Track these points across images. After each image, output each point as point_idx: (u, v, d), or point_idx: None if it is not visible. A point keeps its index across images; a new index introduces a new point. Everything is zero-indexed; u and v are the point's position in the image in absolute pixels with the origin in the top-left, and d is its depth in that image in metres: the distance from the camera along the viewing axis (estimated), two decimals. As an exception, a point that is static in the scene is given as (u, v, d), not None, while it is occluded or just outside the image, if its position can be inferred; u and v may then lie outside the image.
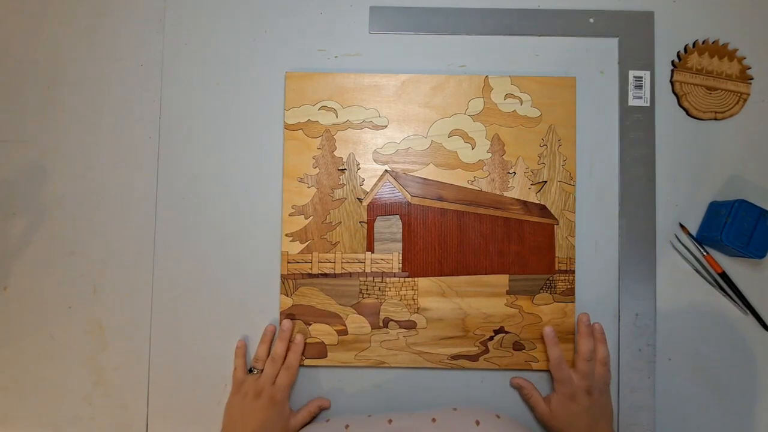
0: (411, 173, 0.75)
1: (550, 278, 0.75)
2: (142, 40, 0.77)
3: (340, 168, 0.75)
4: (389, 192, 0.75)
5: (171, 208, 0.76)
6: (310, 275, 0.74)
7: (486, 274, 0.75)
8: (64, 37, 0.77)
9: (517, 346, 0.74)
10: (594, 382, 0.69)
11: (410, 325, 0.74)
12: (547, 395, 0.72)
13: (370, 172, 0.75)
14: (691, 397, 0.74)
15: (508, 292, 0.74)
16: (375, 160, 0.75)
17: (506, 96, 0.76)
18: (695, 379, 0.75)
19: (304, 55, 0.77)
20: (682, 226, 0.76)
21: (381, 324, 0.74)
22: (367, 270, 0.74)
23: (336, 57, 0.77)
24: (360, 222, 0.75)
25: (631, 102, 0.76)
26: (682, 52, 0.77)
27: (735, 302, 0.75)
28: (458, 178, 0.75)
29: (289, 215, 0.75)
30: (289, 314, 0.74)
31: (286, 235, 0.74)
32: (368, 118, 0.75)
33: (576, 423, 0.68)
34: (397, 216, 0.75)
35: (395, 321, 0.74)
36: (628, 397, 0.73)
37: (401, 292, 0.74)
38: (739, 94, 0.76)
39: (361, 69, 0.77)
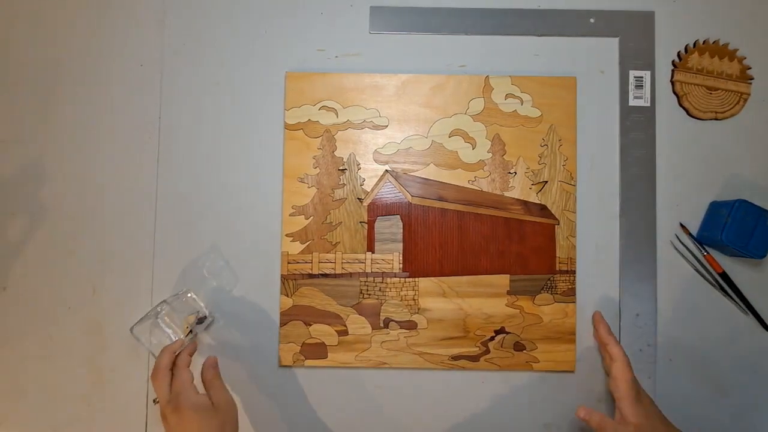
0: (411, 173, 0.75)
1: (551, 278, 0.74)
2: (142, 40, 0.77)
3: (341, 168, 0.75)
4: (390, 192, 0.75)
5: (171, 208, 0.76)
6: (311, 275, 0.74)
7: (487, 274, 0.75)
8: (64, 37, 0.77)
9: (518, 347, 0.74)
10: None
11: (411, 326, 0.74)
12: (614, 418, 0.67)
13: (370, 172, 0.75)
14: (691, 397, 0.74)
15: (509, 293, 0.74)
16: (375, 160, 0.75)
17: (507, 96, 0.75)
18: (696, 379, 0.74)
19: (304, 55, 0.77)
20: (682, 226, 0.76)
21: (381, 324, 0.74)
22: (368, 270, 0.74)
23: (336, 57, 0.77)
24: (360, 222, 0.75)
25: (632, 102, 0.76)
26: (683, 52, 0.77)
27: (735, 302, 0.75)
28: (459, 178, 0.75)
29: (290, 215, 0.75)
30: (289, 314, 0.74)
31: (287, 235, 0.74)
32: (368, 118, 0.75)
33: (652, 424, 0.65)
34: (398, 216, 0.75)
35: (396, 321, 0.74)
36: (629, 398, 0.73)
37: (402, 293, 0.74)
38: (739, 94, 0.76)
39: (362, 69, 0.77)
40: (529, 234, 0.75)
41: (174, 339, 0.69)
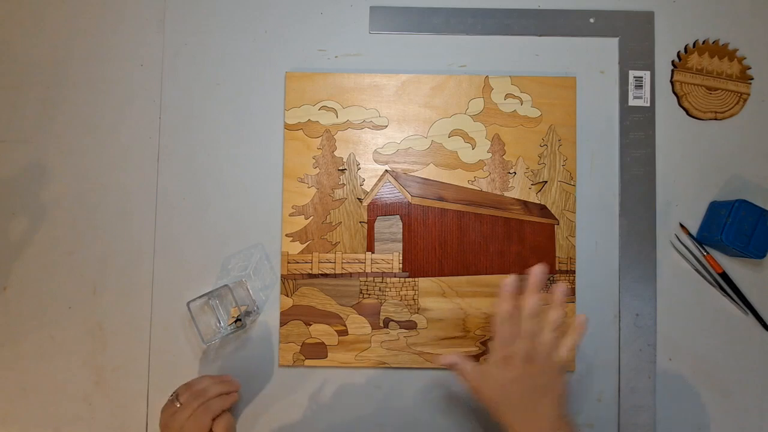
0: (411, 173, 0.75)
1: (551, 278, 0.75)
2: (142, 40, 0.77)
3: (341, 168, 0.75)
4: (389, 192, 0.75)
5: (171, 208, 0.76)
6: (311, 275, 0.74)
7: (486, 274, 0.75)
8: (64, 37, 0.77)
9: (518, 346, 0.74)
10: (537, 349, 0.59)
11: (411, 326, 0.74)
12: (478, 364, 0.62)
13: (370, 172, 0.75)
14: (691, 398, 0.74)
15: (509, 292, 0.74)
16: (375, 160, 0.75)
17: (506, 96, 0.76)
18: (696, 379, 0.74)
19: (304, 55, 0.77)
20: (682, 226, 0.76)
21: (381, 324, 0.74)
22: (368, 270, 0.74)
23: (336, 57, 0.77)
24: (360, 222, 0.75)
25: (632, 102, 0.76)
26: (683, 52, 0.77)
27: (735, 302, 0.75)
28: (458, 178, 0.75)
29: (290, 215, 0.75)
30: (289, 314, 0.74)
31: (287, 235, 0.74)
32: (368, 118, 0.75)
33: (509, 394, 0.58)
34: (398, 216, 0.75)
35: (396, 321, 0.74)
36: (629, 397, 0.73)
37: (402, 293, 0.74)
38: (739, 94, 0.76)
39: (362, 69, 0.77)
40: (528, 234, 0.75)
41: (221, 325, 0.70)
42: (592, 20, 0.77)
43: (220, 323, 0.70)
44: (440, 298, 0.74)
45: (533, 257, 0.75)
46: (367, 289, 0.74)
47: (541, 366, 0.59)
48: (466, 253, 0.75)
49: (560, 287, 0.62)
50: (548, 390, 0.59)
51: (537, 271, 0.62)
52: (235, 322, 0.70)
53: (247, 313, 0.72)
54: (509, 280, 0.61)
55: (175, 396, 0.64)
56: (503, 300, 0.61)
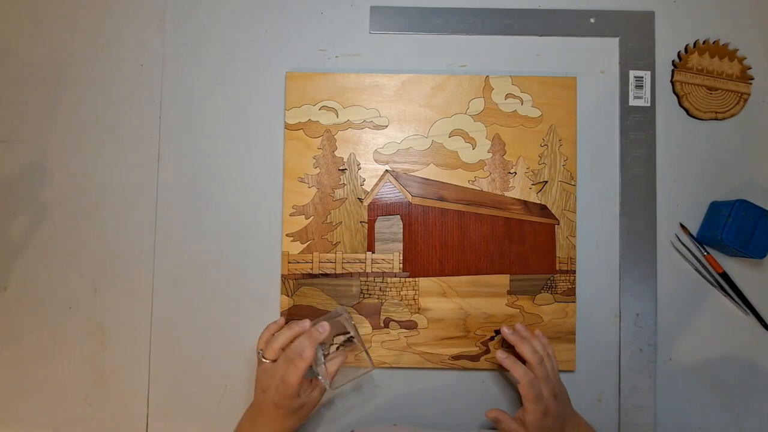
0: (412, 173, 0.75)
1: (551, 278, 0.75)
2: (143, 40, 0.77)
3: (341, 168, 0.75)
4: (390, 192, 0.75)
5: (171, 208, 0.76)
6: (311, 275, 0.74)
7: (487, 274, 0.75)
8: (64, 37, 0.77)
9: (518, 346, 0.74)
10: (554, 382, 0.66)
11: (411, 326, 0.74)
12: (516, 414, 0.67)
13: (370, 172, 0.75)
14: (691, 397, 0.74)
15: (509, 292, 0.74)
16: (376, 160, 0.75)
17: (507, 96, 0.76)
18: (696, 379, 0.75)
19: (305, 55, 0.77)
20: (682, 226, 0.76)
21: (382, 324, 0.74)
22: (368, 270, 0.74)
23: (336, 57, 0.77)
24: (361, 222, 0.75)
25: (632, 102, 0.76)
26: (683, 52, 0.77)
27: (735, 302, 0.75)
28: (459, 178, 0.75)
29: (290, 215, 0.75)
30: (289, 314, 0.74)
31: (287, 235, 0.74)
32: (369, 118, 0.75)
33: (550, 429, 0.65)
34: (398, 216, 0.75)
35: (396, 321, 0.74)
36: (629, 397, 0.73)
37: (402, 292, 0.74)
38: (739, 94, 0.76)
39: (362, 69, 0.77)
40: (529, 234, 0.75)
41: (323, 359, 0.66)
42: (592, 20, 0.77)
43: (321, 358, 0.66)
44: (441, 297, 0.74)
45: (534, 257, 0.75)
46: (368, 289, 0.74)
47: (559, 389, 0.67)
48: (467, 252, 0.75)
49: (538, 331, 0.72)
50: (567, 402, 0.68)
51: (520, 327, 0.71)
52: (344, 343, 0.68)
53: (348, 340, 0.69)
54: (502, 352, 0.68)
55: (261, 354, 0.64)
56: (513, 364, 0.66)
